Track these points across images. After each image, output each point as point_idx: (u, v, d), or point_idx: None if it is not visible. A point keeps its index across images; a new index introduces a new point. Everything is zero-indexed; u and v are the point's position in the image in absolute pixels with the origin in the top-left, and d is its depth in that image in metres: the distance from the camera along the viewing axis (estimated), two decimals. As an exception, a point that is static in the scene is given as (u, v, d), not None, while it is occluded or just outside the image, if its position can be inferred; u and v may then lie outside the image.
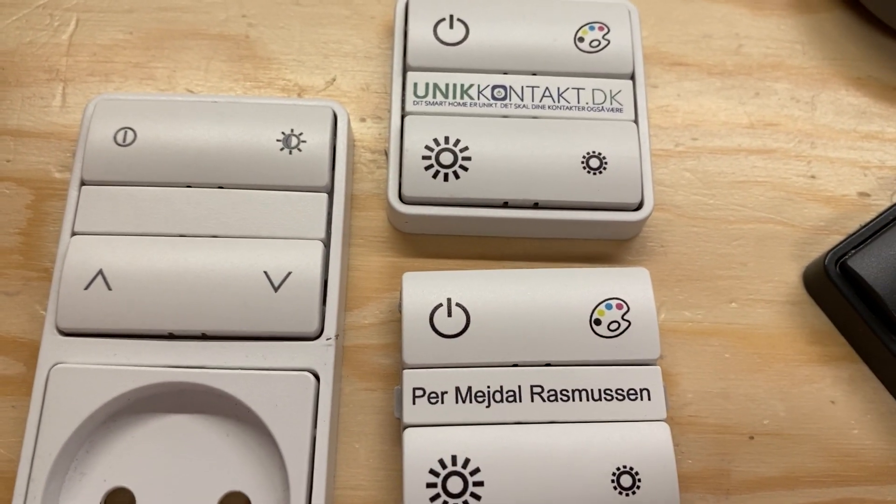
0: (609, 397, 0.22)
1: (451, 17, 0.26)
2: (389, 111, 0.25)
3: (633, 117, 0.26)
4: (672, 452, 0.21)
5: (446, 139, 0.24)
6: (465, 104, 0.25)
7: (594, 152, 0.25)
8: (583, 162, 0.24)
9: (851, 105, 0.29)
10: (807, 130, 0.28)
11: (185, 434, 0.22)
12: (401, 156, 0.24)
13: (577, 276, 0.23)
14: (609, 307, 0.23)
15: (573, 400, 0.22)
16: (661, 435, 0.22)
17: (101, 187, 0.24)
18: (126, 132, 0.24)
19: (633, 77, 0.26)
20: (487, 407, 0.22)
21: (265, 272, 0.22)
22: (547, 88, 0.26)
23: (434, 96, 0.25)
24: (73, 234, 0.23)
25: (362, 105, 0.28)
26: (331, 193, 0.24)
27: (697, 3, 0.30)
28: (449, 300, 0.22)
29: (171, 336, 0.22)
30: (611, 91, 0.26)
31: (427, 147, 0.24)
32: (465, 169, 0.24)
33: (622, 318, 0.23)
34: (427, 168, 0.24)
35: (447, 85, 0.26)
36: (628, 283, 0.23)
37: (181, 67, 0.28)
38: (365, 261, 0.26)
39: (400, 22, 0.27)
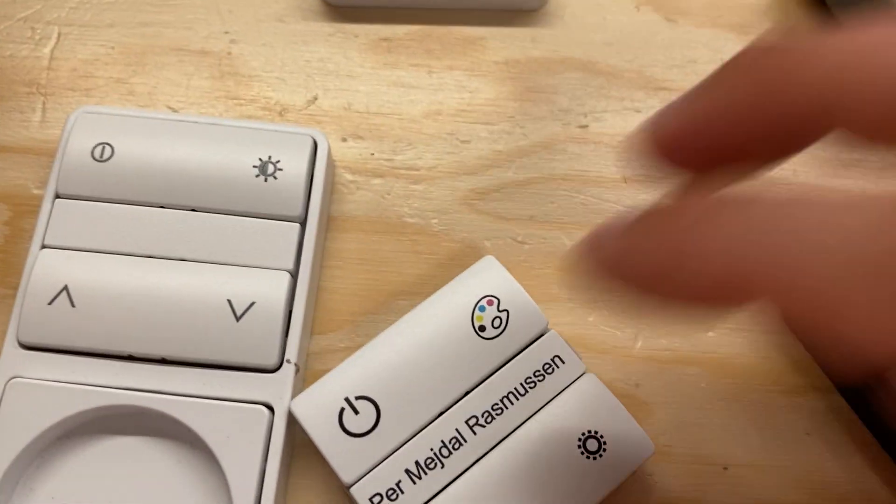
0: (531, 385, 0.22)
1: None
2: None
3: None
4: (612, 396, 0.22)
5: None
6: None
7: None
8: None
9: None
10: (791, 157, 0.28)
11: (136, 456, 0.22)
12: None
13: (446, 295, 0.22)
14: (482, 309, 0.22)
15: (504, 410, 0.21)
16: (594, 387, 0.22)
17: (74, 201, 0.23)
18: (104, 147, 0.24)
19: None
20: (440, 467, 0.21)
21: (229, 300, 0.22)
22: None
23: None
24: (43, 246, 0.23)
25: (343, 124, 0.28)
26: (304, 223, 0.24)
27: (682, 28, 0.30)
28: (347, 399, 0.21)
29: (130, 358, 0.22)
30: None
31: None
32: None
33: (498, 310, 0.22)
34: None
35: None
36: (487, 278, 0.22)
37: (162, 83, 0.28)
38: (339, 283, 0.25)
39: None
